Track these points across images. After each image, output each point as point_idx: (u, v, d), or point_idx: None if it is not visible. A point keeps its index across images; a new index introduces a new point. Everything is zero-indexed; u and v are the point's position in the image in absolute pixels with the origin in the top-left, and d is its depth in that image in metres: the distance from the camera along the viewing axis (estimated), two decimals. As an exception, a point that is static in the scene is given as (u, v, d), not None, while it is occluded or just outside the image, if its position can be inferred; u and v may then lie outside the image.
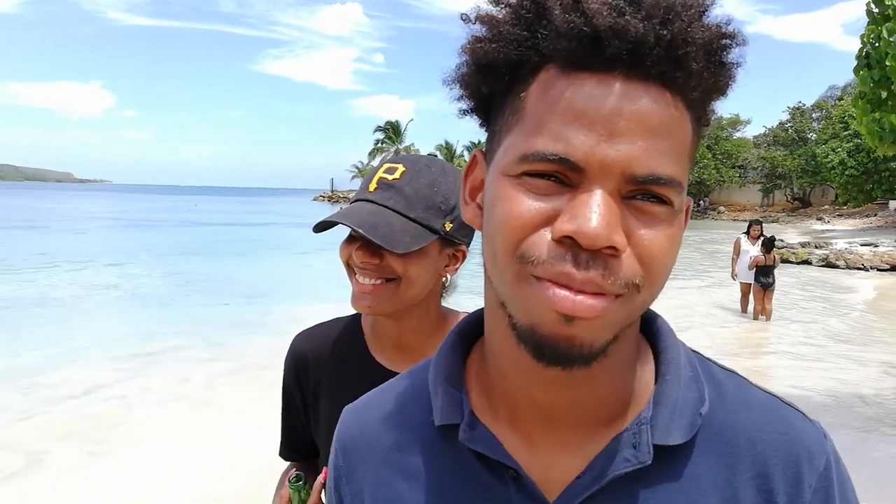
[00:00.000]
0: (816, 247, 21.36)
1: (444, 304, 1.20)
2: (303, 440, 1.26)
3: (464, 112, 0.58)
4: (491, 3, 0.53)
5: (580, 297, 0.46)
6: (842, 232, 32.42)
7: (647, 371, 0.60)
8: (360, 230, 1.01)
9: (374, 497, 0.63)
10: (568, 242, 0.46)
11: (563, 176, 0.47)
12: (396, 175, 1.07)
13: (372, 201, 1.06)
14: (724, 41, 0.49)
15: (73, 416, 5.45)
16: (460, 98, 0.57)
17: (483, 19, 0.52)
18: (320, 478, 1.09)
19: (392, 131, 77.04)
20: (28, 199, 70.69)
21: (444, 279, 1.14)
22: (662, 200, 0.48)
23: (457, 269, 1.15)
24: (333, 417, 1.04)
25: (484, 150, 0.58)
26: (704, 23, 0.48)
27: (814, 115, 55.32)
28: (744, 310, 10.26)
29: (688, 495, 0.55)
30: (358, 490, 0.65)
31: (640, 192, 0.48)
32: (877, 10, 7.47)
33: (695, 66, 0.47)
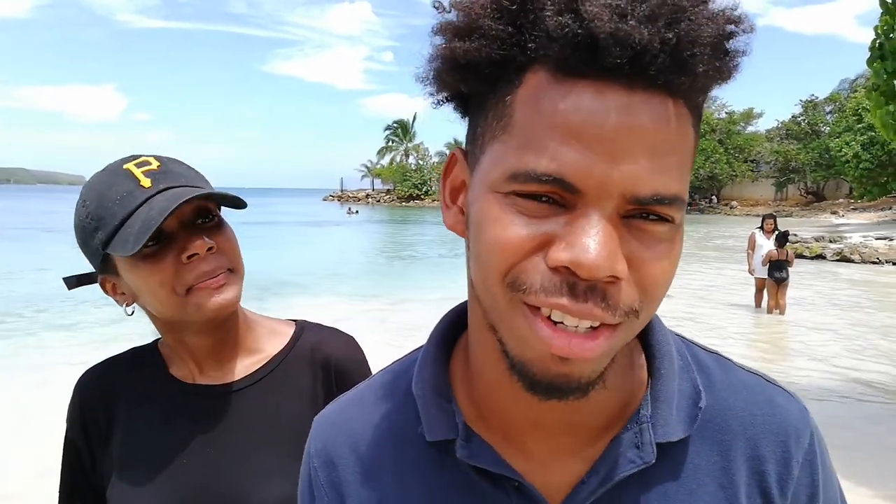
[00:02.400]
0: (831, 241, 21.15)
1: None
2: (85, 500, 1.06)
3: (439, 103, 0.52)
4: None
5: (576, 340, 0.44)
6: (856, 226, 32.07)
7: (639, 365, 0.58)
8: (199, 194, 0.90)
9: None
10: (564, 271, 0.43)
11: (558, 196, 0.43)
12: (154, 165, 0.94)
13: (162, 190, 0.91)
14: (731, 29, 0.44)
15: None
16: (435, 92, 0.51)
17: (460, 8, 0.46)
18: None
19: (401, 130, 77.14)
20: (40, 202, 71.42)
21: None
22: (664, 218, 0.44)
23: None
24: (129, 451, 1.00)
25: (464, 148, 0.53)
26: (711, 13, 0.43)
27: (827, 108, 54.75)
28: (758, 305, 10.17)
29: (687, 486, 0.54)
30: None
31: (640, 212, 0.44)
32: (890, 1, 7.38)
33: (701, 67, 0.42)
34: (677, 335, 0.62)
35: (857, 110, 38.47)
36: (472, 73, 0.46)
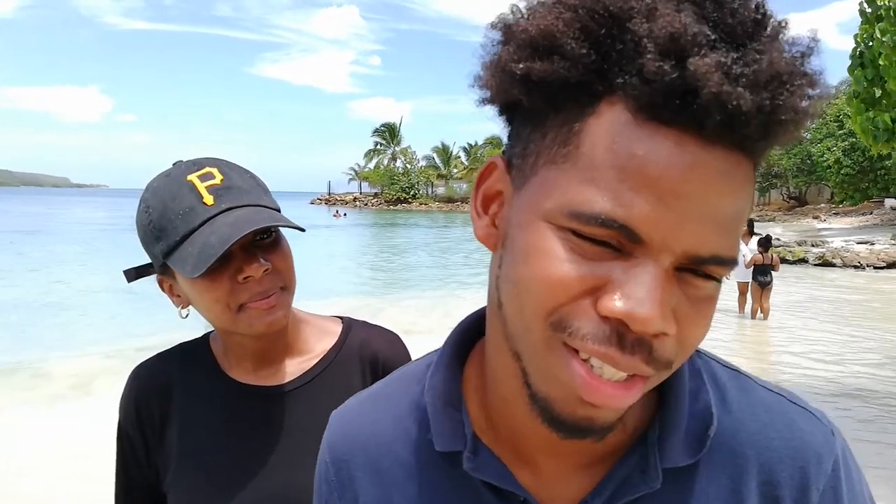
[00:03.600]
0: (813, 245, 21.41)
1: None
2: (142, 497, 1.08)
3: (484, 102, 0.50)
4: (543, 5, 0.44)
5: (611, 391, 0.43)
6: (838, 230, 32.44)
7: None
8: (262, 225, 0.91)
9: None
10: (615, 321, 0.41)
11: (618, 243, 0.41)
12: (217, 179, 0.95)
13: (225, 211, 0.92)
14: (814, 92, 0.42)
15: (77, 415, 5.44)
16: (488, 99, 0.49)
17: (537, 25, 0.43)
18: None
19: (388, 133, 77.03)
20: (25, 204, 70.42)
21: None
22: (714, 277, 0.43)
23: None
24: (186, 448, 1.02)
25: (506, 157, 0.50)
26: (809, 80, 0.41)
27: (809, 114, 55.37)
28: (741, 309, 10.28)
29: None
30: None
31: (694, 268, 0.42)
32: (870, 10, 7.52)
33: (785, 136, 0.41)
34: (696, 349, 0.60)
35: (839, 117, 38.95)
36: (541, 91, 0.43)
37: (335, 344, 1.09)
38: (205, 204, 0.92)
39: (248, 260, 0.93)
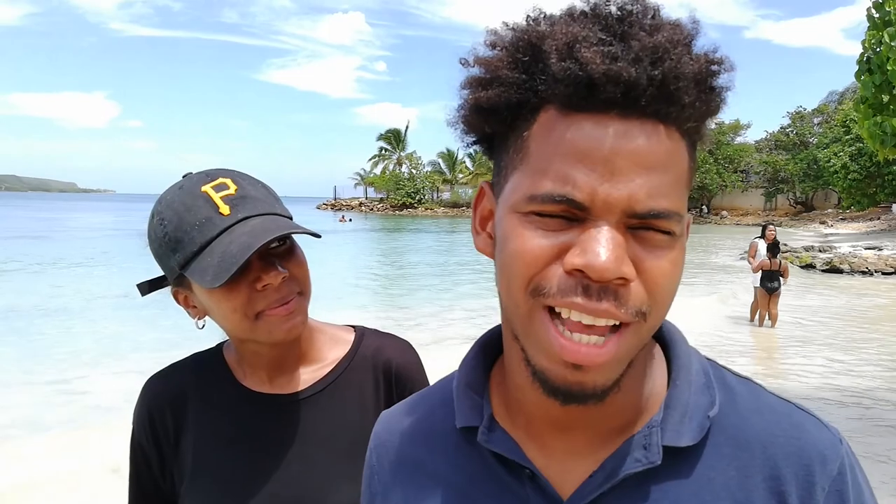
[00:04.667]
0: (820, 251, 21.32)
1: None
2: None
3: (468, 145, 0.61)
4: (488, 46, 0.55)
5: (586, 349, 0.49)
6: (845, 236, 32.34)
7: (659, 378, 0.61)
8: (291, 232, 0.93)
9: (405, 498, 0.66)
10: (578, 275, 0.49)
11: (570, 214, 0.50)
12: (232, 189, 0.95)
13: (241, 220, 0.93)
14: (712, 68, 0.51)
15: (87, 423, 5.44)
16: (464, 135, 0.59)
17: (482, 63, 0.55)
18: None
19: (394, 139, 77.26)
20: (32, 210, 70.92)
21: None
22: (664, 231, 0.50)
23: None
24: (202, 457, 1.02)
25: (491, 182, 0.60)
26: (693, 55, 0.50)
27: (815, 120, 55.34)
28: (752, 318, 10.17)
29: (699, 497, 0.56)
30: (389, 489, 0.69)
31: (642, 226, 0.50)
32: (877, 16, 7.49)
33: (687, 98, 0.49)
34: (709, 359, 0.64)
35: (845, 122, 38.92)
36: (494, 116, 0.54)
37: (348, 352, 1.09)
38: (221, 214, 0.92)
39: (265, 268, 0.93)
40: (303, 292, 0.99)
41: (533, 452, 0.60)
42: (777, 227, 10.64)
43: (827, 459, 0.56)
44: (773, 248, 9.80)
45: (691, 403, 0.58)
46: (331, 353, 1.09)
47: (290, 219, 1.00)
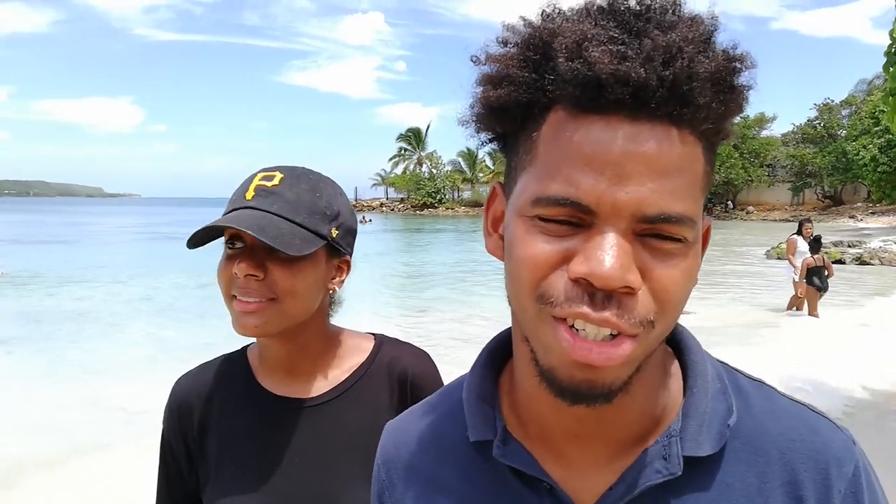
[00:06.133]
0: (849, 245, 20.84)
1: (332, 321, 1.14)
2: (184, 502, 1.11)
3: (483, 143, 0.60)
4: (500, 43, 0.54)
5: (597, 348, 0.48)
6: (876, 230, 31.61)
7: (674, 384, 0.61)
8: (250, 231, 0.92)
9: None
10: (584, 283, 0.47)
11: (576, 218, 0.48)
12: (275, 182, 0.99)
13: (253, 208, 0.97)
14: (732, 66, 0.49)
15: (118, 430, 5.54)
16: (477, 133, 0.58)
17: (493, 60, 0.54)
18: None
19: (414, 138, 77.37)
20: (62, 215, 72.40)
21: (331, 293, 1.08)
22: (675, 238, 0.49)
23: (343, 281, 1.09)
24: (223, 456, 1.04)
25: (502, 182, 0.59)
26: (709, 53, 0.48)
27: (843, 112, 54.15)
28: (790, 307, 9.99)
29: None
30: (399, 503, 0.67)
31: (652, 231, 0.48)
32: (906, 3, 7.28)
33: (701, 99, 0.47)
34: (721, 363, 0.64)
35: (874, 113, 38.02)
36: (505, 115, 0.53)
37: (366, 360, 1.11)
38: (244, 197, 0.99)
39: (244, 258, 0.96)
40: (276, 300, 0.97)
41: (550, 464, 0.59)
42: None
43: (842, 462, 0.56)
44: (816, 243, 9.56)
45: (709, 411, 0.57)
46: (349, 360, 1.11)
47: (313, 233, 0.98)
